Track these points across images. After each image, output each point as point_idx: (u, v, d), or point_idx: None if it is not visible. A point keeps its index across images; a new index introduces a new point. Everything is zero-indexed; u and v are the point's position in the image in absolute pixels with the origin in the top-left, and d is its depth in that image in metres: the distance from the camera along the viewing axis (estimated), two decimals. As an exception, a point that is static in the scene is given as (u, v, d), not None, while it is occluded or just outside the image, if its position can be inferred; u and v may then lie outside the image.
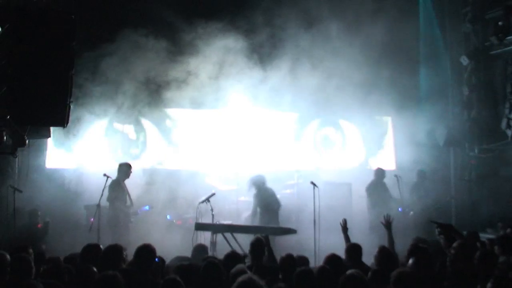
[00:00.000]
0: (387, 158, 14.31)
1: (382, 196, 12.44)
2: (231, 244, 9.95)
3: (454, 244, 6.72)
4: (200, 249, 8.12)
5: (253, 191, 11.09)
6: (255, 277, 4.80)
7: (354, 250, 7.22)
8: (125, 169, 11.17)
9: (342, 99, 13.03)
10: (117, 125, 13.52)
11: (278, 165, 13.78)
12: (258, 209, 11.03)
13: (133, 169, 11.44)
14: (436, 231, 7.74)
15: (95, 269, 5.92)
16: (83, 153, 13.05)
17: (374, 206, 12.21)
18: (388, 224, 7.95)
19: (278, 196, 12.31)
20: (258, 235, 7.79)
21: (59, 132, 11.44)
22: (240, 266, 6.12)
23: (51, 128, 9.41)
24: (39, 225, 11.03)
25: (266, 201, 10.82)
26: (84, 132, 12.72)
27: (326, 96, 13.06)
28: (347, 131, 15.22)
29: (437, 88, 15.13)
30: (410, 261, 6.31)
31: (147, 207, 11.50)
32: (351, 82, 12.95)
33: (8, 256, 5.90)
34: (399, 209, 12.50)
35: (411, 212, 12.67)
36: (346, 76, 12.89)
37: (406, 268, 6.03)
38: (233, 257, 6.97)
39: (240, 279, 4.82)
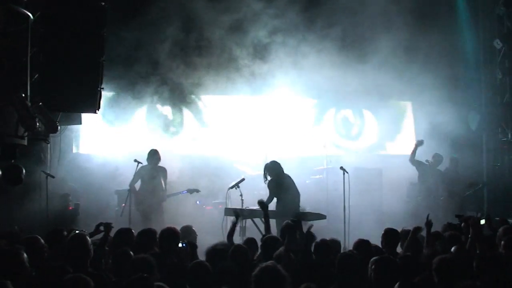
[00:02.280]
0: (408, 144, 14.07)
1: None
2: (261, 229, 9.97)
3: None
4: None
5: (269, 178, 10.88)
6: (278, 266, 4.83)
7: (391, 235, 7.14)
8: (150, 154, 11.29)
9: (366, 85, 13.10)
10: (158, 107, 13.81)
11: (307, 150, 13.75)
12: (275, 199, 10.86)
13: (163, 154, 11.56)
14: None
15: (131, 252, 6.03)
16: (116, 138, 13.30)
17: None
18: (429, 224, 7.53)
19: (307, 181, 12.34)
20: (288, 220, 7.84)
21: (93, 117, 11.55)
22: (282, 249, 6.13)
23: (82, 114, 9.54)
24: (70, 208, 11.26)
25: (283, 189, 10.50)
26: (119, 117, 12.99)
27: (346, 81, 13.06)
28: (368, 118, 15.16)
29: (470, 72, 14.89)
30: (453, 249, 6.27)
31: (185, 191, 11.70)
32: (376, 67, 12.89)
33: (42, 240, 6.06)
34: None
35: (441, 198, 12.55)
36: (371, 61, 12.86)
37: (447, 255, 5.95)
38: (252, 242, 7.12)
39: (263, 265, 4.86)
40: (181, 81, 13.37)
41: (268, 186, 10.46)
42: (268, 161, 10.82)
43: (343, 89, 13.41)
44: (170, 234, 6.62)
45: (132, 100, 13.00)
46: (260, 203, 8.32)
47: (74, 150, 13.26)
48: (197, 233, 7.72)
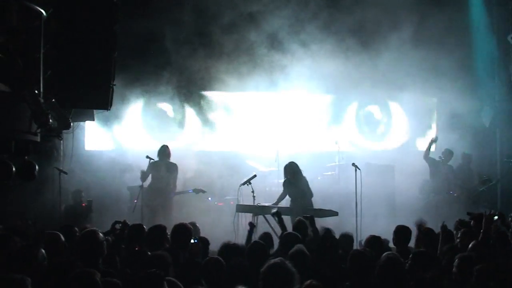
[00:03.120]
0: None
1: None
2: (273, 226, 10.01)
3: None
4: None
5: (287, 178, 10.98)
6: (287, 262, 4.83)
7: (403, 232, 7.14)
8: (161, 151, 11.37)
9: (389, 78, 13.01)
10: (160, 104, 13.75)
11: (318, 146, 13.75)
12: (289, 198, 10.96)
13: (175, 150, 11.73)
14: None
15: (147, 251, 6.08)
16: (126, 134, 13.37)
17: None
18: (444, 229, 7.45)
19: (319, 178, 12.37)
20: (300, 217, 7.87)
21: (102, 114, 11.60)
22: (299, 246, 6.13)
23: (95, 111, 9.60)
24: (84, 204, 11.33)
25: (300, 190, 10.69)
26: (125, 113, 13.04)
27: (372, 75, 13.04)
28: (393, 111, 14.96)
29: (484, 67, 14.79)
30: (470, 245, 6.28)
31: (191, 190, 11.71)
32: (399, 63, 12.83)
33: (63, 237, 6.13)
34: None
35: (455, 195, 12.51)
36: (393, 58, 12.80)
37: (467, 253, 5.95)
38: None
39: (271, 261, 4.86)
40: (192, 76, 13.39)
41: (283, 185, 10.90)
42: (286, 160, 11.14)
43: (364, 83, 13.39)
44: (183, 230, 6.65)
45: (140, 95, 13.09)
46: (276, 213, 8.28)
47: (87, 148, 13.33)
48: (201, 229, 7.84)
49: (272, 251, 6.77)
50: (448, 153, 12.63)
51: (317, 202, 10.94)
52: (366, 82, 13.28)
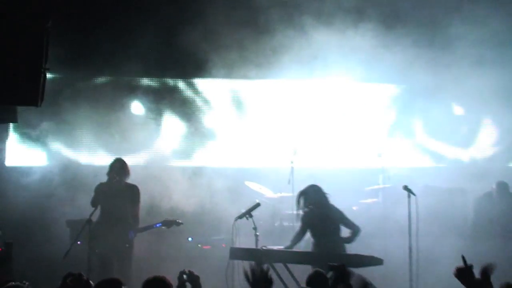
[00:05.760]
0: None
1: None
2: (284, 279, 9.92)
3: None
4: None
5: (304, 208, 10.90)
6: None
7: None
8: (116, 167, 11.25)
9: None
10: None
11: (353, 160, 13.83)
12: (311, 236, 10.87)
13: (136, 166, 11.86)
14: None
15: None
16: (67, 142, 13.49)
17: None
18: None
19: (354, 207, 12.31)
20: (317, 269, 7.82)
21: (28, 112, 11.55)
22: None
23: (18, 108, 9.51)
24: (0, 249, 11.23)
25: (330, 225, 10.61)
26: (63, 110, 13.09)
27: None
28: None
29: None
30: None
31: (159, 224, 11.59)
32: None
33: None
34: None
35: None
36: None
37: None
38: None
39: None
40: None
41: (301, 219, 10.64)
42: (303, 181, 11.03)
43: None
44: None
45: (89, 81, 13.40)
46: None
47: (8, 163, 13.42)
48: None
49: None
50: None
51: (352, 243, 10.78)
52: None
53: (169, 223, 11.37)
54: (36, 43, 7.96)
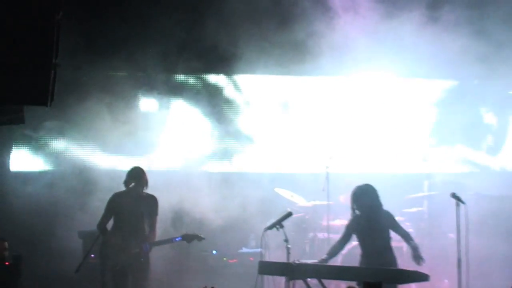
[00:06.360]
0: None
1: None
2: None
3: None
4: None
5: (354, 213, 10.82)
6: None
7: None
8: (133, 175, 11.24)
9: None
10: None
11: (394, 164, 13.85)
12: (359, 245, 10.78)
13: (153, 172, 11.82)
14: None
15: None
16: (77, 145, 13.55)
17: None
18: None
19: (397, 218, 12.22)
20: (351, 285, 7.71)
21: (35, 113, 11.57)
22: None
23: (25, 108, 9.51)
24: (7, 263, 11.23)
25: (384, 234, 10.50)
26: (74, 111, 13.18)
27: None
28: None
29: None
30: None
31: (178, 238, 11.56)
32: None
33: None
34: None
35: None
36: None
37: None
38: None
39: None
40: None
41: (346, 225, 10.53)
42: (339, 187, 10.91)
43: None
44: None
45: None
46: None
47: (13, 168, 13.45)
48: None
49: None
50: None
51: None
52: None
53: (190, 238, 11.31)
54: (45, 36, 7.94)
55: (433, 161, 13.29)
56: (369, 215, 10.29)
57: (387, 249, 10.28)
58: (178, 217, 12.20)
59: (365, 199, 10.36)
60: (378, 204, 10.38)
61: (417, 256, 10.03)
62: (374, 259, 10.21)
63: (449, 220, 10.98)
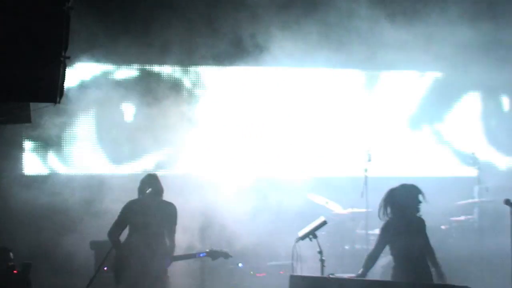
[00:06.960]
0: None
1: None
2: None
3: None
4: None
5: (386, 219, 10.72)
6: None
7: None
8: (148, 182, 11.25)
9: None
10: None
11: (444, 170, 13.93)
12: (392, 256, 10.71)
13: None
14: None
15: None
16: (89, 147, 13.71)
17: None
18: None
19: (442, 227, 12.18)
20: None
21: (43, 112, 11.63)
22: None
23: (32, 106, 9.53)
24: (15, 271, 11.26)
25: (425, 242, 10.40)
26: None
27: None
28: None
29: None
30: None
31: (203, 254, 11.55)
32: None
33: None
34: None
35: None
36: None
37: None
38: None
39: None
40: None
41: (380, 231, 10.18)
42: (379, 192, 10.63)
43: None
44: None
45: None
46: None
47: (27, 171, 13.59)
48: None
49: None
50: None
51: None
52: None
53: (216, 255, 11.21)
54: (53, 27, 7.93)
55: (483, 164, 13.21)
56: (411, 220, 10.12)
57: (425, 261, 10.15)
58: (201, 227, 12.13)
59: (410, 201, 10.17)
60: (419, 209, 10.25)
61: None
62: (411, 272, 10.03)
63: (502, 229, 10.88)
